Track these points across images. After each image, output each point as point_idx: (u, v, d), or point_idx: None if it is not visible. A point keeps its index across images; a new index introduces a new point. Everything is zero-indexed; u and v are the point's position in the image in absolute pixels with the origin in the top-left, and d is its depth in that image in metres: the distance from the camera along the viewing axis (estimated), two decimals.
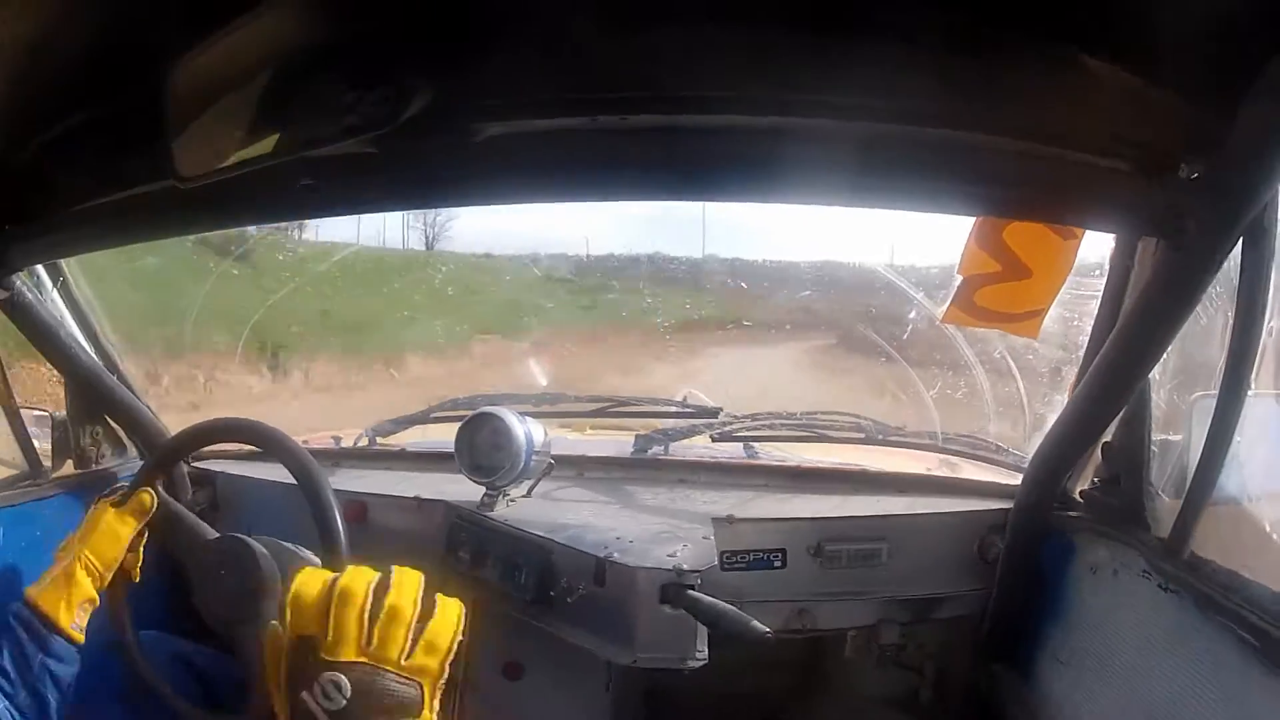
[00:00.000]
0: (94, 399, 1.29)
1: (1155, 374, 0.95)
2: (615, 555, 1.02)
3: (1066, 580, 1.09)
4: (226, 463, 1.43)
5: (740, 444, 1.44)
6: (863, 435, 1.46)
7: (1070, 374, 1.17)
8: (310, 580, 0.63)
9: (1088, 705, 1.00)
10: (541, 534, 1.10)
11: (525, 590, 1.07)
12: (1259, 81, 0.60)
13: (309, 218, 1.04)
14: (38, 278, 1.18)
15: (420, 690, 0.61)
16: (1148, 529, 0.97)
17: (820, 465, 1.37)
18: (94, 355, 1.28)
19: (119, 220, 0.94)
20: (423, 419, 1.54)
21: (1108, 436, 1.03)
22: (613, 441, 1.54)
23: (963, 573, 1.18)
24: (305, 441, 1.22)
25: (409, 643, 0.61)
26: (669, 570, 0.98)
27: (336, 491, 0.94)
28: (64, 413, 1.27)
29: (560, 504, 1.25)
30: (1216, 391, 0.80)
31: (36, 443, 1.22)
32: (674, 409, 1.54)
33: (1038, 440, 1.13)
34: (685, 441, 1.43)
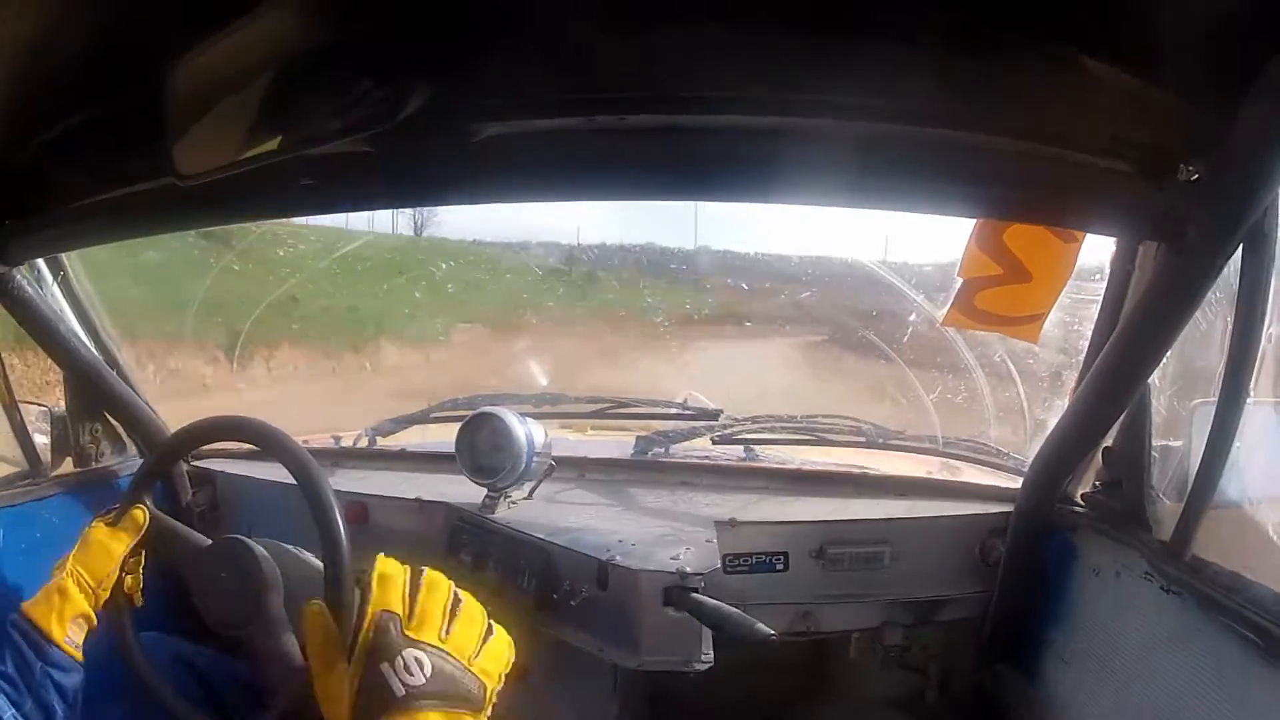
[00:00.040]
0: (94, 395, 1.28)
1: (1155, 380, 0.95)
2: (618, 558, 1.02)
3: (1069, 582, 1.09)
4: (226, 462, 1.43)
5: (740, 446, 1.44)
6: (863, 439, 1.45)
7: (1070, 378, 1.17)
8: (392, 564, 0.67)
9: (1092, 705, 1.00)
10: (543, 537, 1.10)
11: (527, 593, 1.07)
12: (1259, 83, 0.60)
13: (308, 215, 1.04)
14: (38, 272, 1.18)
15: (483, 691, 0.64)
16: (1149, 531, 0.97)
17: (821, 468, 1.37)
18: (94, 351, 1.27)
19: (118, 216, 0.94)
20: (423, 419, 1.54)
21: (1108, 441, 1.03)
22: (613, 443, 1.54)
23: (965, 575, 1.18)
24: (305, 441, 1.22)
25: (479, 645, 0.65)
26: (672, 573, 0.98)
27: (337, 493, 0.93)
28: (63, 408, 1.27)
29: (562, 506, 1.25)
30: (1216, 398, 0.80)
31: (39, 437, 1.22)
32: (674, 411, 1.53)
33: (1038, 444, 1.14)
34: (686, 444, 1.43)
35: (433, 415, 1.54)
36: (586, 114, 0.72)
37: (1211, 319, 0.86)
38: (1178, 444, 0.99)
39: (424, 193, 0.88)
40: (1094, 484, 1.08)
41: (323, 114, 0.68)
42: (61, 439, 1.26)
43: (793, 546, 1.14)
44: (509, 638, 0.69)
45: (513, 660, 0.69)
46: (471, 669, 0.64)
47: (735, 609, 0.94)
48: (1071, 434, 1.03)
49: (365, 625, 0.63)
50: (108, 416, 1.33)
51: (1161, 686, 0.86)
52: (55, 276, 1.21)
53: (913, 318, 1.65)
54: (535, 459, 1.18)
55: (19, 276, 1.09)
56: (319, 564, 0.92)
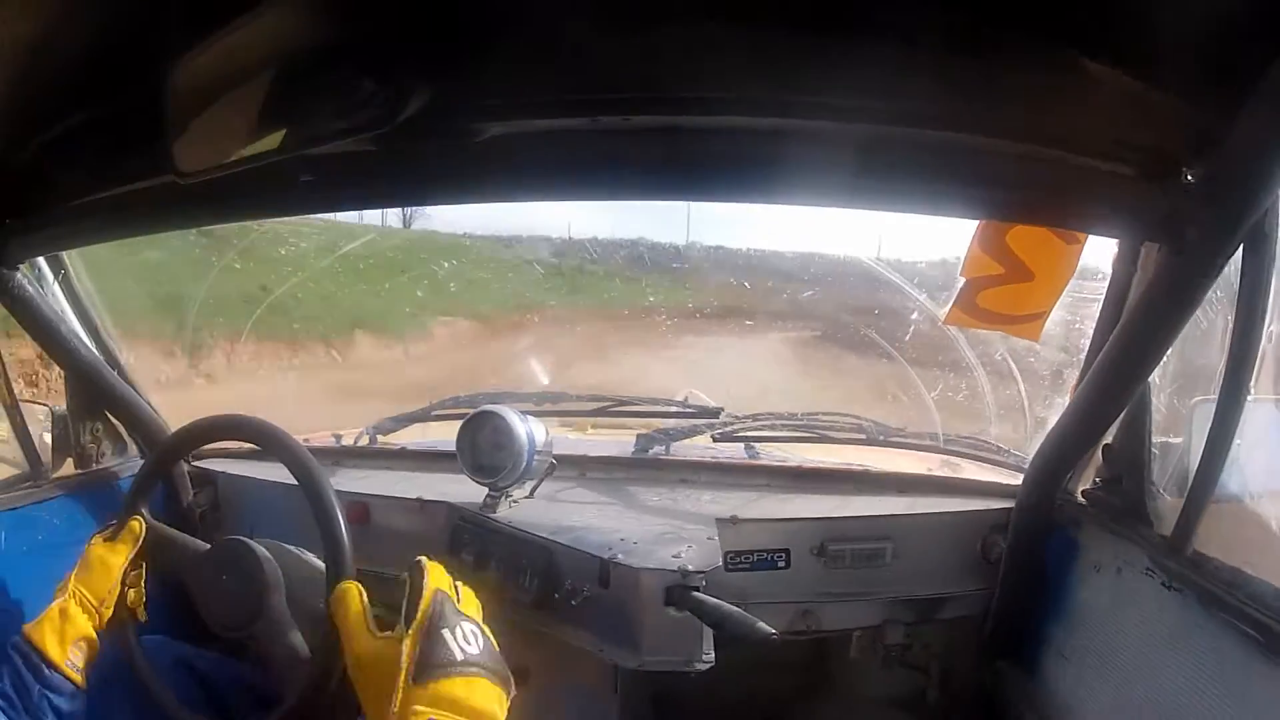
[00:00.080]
0: (94, 395, 1.28)
1: (1155, 378, 0.95)
2: (619, 557, 1.02)
3: (1070, 578, 1.09)
4: (227, 462, 1.43)
5: (741, 444, 1.44)
6: (864, 436, 1.46)
7: (1071, 377, 1.17)
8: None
9: (1092, 701, 1.00)
10: (545, 535, 1.10)
11: (529, 593, 1.07)
12: (1260, 86, 0.60)
13: (308, 213, 1.04)
14: (39, 271, 1.18)
15: (510, 677, 0.71)
16: (1150, 527, 0.97)
17: (822, 465, 1.37)
18: (94, 350, 1.27)
19: (119, 214, 0.94)
20: (423, 417, 1.54)
21: (1108, 438, 1.03)
22: (614, 441, 1.54)
23: (966, 572, 1.19)
24: (306, 439, 1.22)
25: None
26: (674, 571, 0.98)
27: (338, 493, 0.93)
28: (63, 408, 1.27)
29: (563, 505, 1.25)
30: (1216, 396, 0.81)
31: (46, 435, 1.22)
32: (675, 409, 1.54)
33: (1038, 442, 1.14)
34: (686, 441, 1.43)
35: (433, 413, 1.54)
36: (588, 114, 0.72)
37: (1212, 318, 0.87)
38: (1178, 441, 0.99)
39: (426, 192, 0.88)
40: (1094, 480, 1.08)
41: (324, 113, 0.68)
42: (62, 439, 1.26)
43: (794, 544, 1.14)
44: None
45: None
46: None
47: (736, 608, 0.94)
48: (1072, 431, 1.04)
49: (426, 597, 0.70)
50: (109, 416, 1.32)
51: (1162, 683, 0.86)
52: (56, 276, 1.20)
53: (915, 316, 1.65)
54: (536, 457, 1.18)
55: (20, 276, 1.09)
56: (321, 564, 0.92)
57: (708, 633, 0.99)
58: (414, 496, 1.25)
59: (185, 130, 0.73)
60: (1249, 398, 0.79)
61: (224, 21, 0.64)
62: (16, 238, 1.00)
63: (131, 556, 0.95)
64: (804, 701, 1.37)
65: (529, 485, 1.23)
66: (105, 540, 0.96)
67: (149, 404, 1.34)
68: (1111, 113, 0.69)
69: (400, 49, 0.65)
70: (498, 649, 0.72)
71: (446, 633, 0.69)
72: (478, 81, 0.70)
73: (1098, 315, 1.04)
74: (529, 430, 1.18)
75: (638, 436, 1.43)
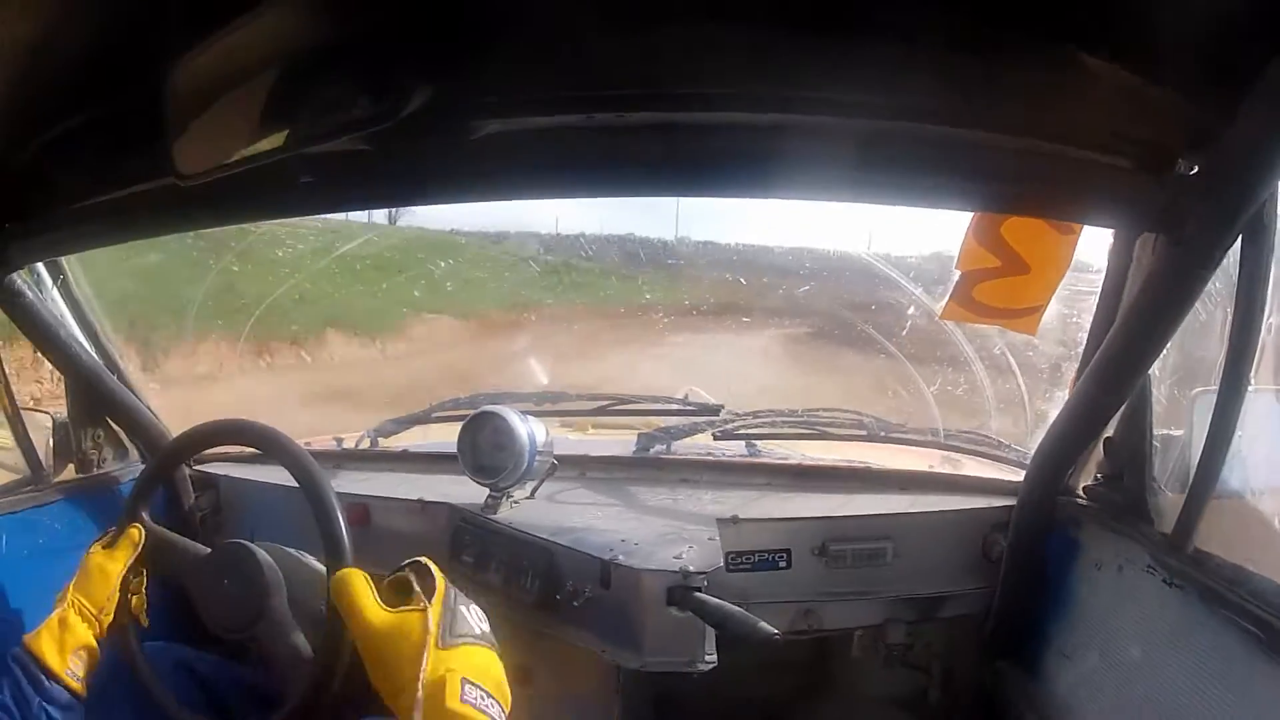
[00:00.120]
0: (95, 400, 1.28)
1: (1155, 370, 0.95)
2: (620, 557, 1.02)
3: (1071, 576, 1.09)
4: (229, 465, 1.43)
5: (742, 442, 1.44)
6: (864, 432, 1.45)
7: (1070, 370, 1.17)
8: None
9: (1094, 700, 1.00)
10: (546, 537, 1.10)
11: (530, 594, 1.07)
12: (1259, 82, 0.60)
13: (309, 214, 1.04)
14: (38, 276, 1.17)
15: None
16: (1151, 524, 0.97)
17: (823, 463, 1.36)
18: (94, 355, 1.27)
19: (118, 218, 0.94)
20: (424, 419, 1.54)
21: (1109, 432, 1.03)
22: (614, 441, 1.53)
23: (967, 571, 1.18)
24: (307, 443, 1.22)
25: None
26: (675, 572, 0.98)
27: (339, 494, 0.93)
28: (64, 413, 1.27)
29: (564, 506, 1.24)
30: (1217, 387, 0.81)
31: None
32: (675, 407, 1.53)
33: (1039, 436, 1.14)
34: (687, 440, 1.43)
35: (434, 415, 1.54)
36: (586, 111, 0.72)
37: (1211, 309, 0.87)
38: (1179, 433, 0.99)
39: (425, 191, 0.88)
40: (1095, 476, 1.08)
41: (323, 113, 0.68)
42: (63, 444, 1.25)
43: (795, 543, 1.14)
44: None
45: None
46: None
47: (738, 608, 0.94)
48: (1072, 425, 1.04)
49: (439, 578, 0.75)
50: (109, 421, 1.32)
51: (1164, 681, 0.86)
52: (55, 280, 1.20)
53: (912, 311, 1.65)
54: (537, 458, 1.18)
55: (19, 280, 1.09)
56: (321, 567, 0.92)
57: (710, 633, 0.98)
58: (415, 498, 1.25)
59: (185, 132, 0.72)
60: (1250, 389, 0.79)
61: (223, 22, 0.64)
62: (16, 242, 1.00)
63: (130, 563, 0.95)
64: (806, 701, 1.37)
65: (530, 486, 1.23)
66: (104, 548, 0.95)
67: (149, 409, 1.34)
68: (1110, 107, 0.69)
69: (399, 47, 0.65)
70: None
71: (463, 609, 0.74)
72: (477, 79, 0.70)
73: (1094, 309, 1.04)
74: (530, 430, 1.18)
75: (638, 436, 1.43)
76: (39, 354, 1.21)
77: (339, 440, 1.55)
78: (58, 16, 0.66)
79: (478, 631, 0.74)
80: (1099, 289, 1.02)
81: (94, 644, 0.89)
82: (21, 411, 1.19)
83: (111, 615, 0.92)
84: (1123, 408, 0.99)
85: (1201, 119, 0.67)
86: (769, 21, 0.64)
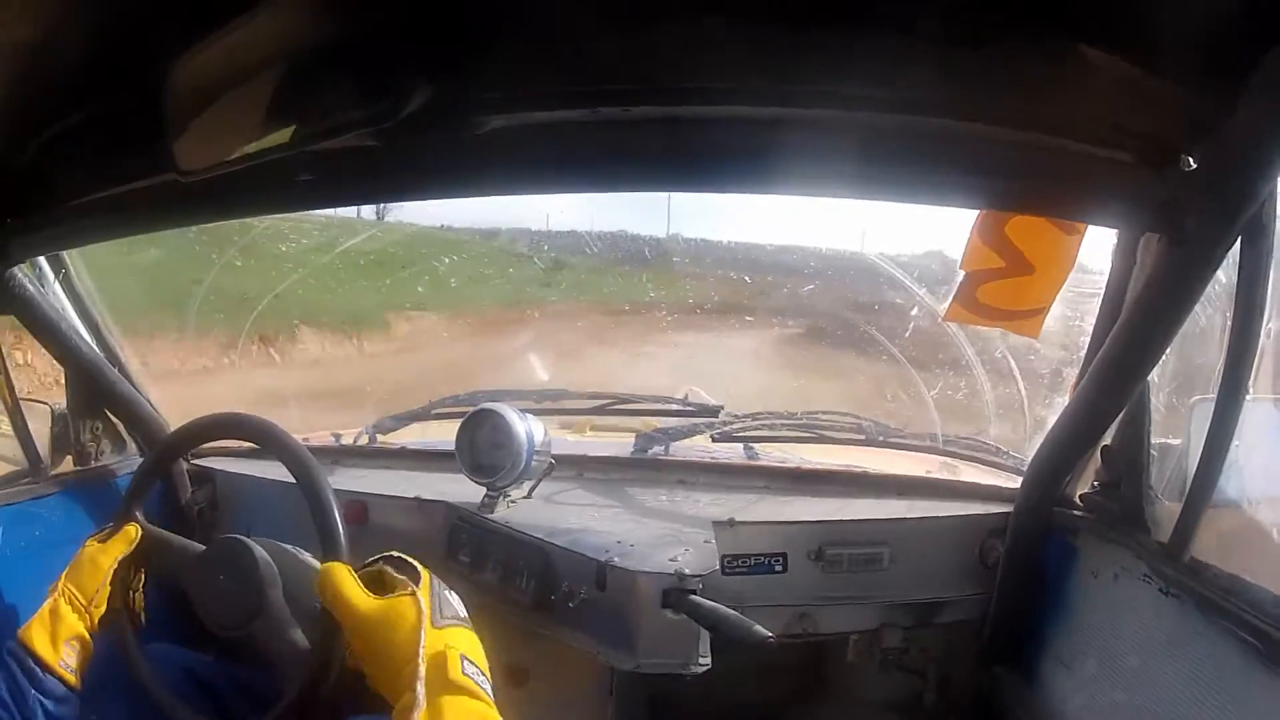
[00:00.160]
0: (94, 393, 1.28)
1: (1154, 377, 0.95)
2: (616, 559, 1.02)
3: (1067, 584, 1.09)
4: (226, 460, 1.43)
5: (740, 444, 1.43)
6: (863, 436, 1.45)
7: (1070, 375, 1.16)
8: None
9: (1090, 708, 1.00)
10: (542, 537, 1.10)
11: (525, 594, 1.07)
12: (1257, 75, 0.60)
13: (311, 209, 1.05)
14: (40, 269, 1.18)
15: None
16: (1148, 533, 0.97)
17: (821, 467, 1.36)
18: (95, 348, 1.27)
19: (120, 213, 0.94)
20: (423, 415, 1.54)
21: (1107, 440, 1.03)
22: (613, 441, 1.53)
23: (964, 577, 1.18)
24: (305, 439, 1.22)
25: None
26: (670, 575, 0.98)
27: (336, 491, 0.93)
28: (63, 405, 1.27)
29: (561, 506, 1.24)
30: (1215, 395, 0.80)
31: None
32: (674, 407, 1.53)
33: (1038, 442, 1.13)
34: (685, 441, 1.43)
35: (433, 412, 1.53)
36: (589, 106, 0.72)
37: (1210, 315, 0.87)
38: (1177, 442, 0.99)
39: (427, 186, 0.87)
40: (1092, 484, 1.08)
41: (325, 109, 0.68)
42: (62, 437, 1.26)
43: (791, 547, 1.14)
44: None
45: None
46: None
47: (733, 611, 0.94)
48: (1070, 432, 1.03)
49: (422, 568, 0.79)
50: (108, 414, 1.33)
51: (1161, 690, 0.86)
52: (57, 274, 1.21)
53: (915, 312, 1.65)
54: (535, 457, 1.18)
55: (20, 274, 1.09)
56: (317, 564, 0.92)
57: (704, 635, 0.98)
58: (412, 496, 1.25)
59: (186, 128, 0.72)
60: (1248, 397, 0.79)
61: (225, 20, 0.64)
62: (18, 237, 1.00)
63: (123, 557, 0.94)
64: (800, 705, 1.37)
65: (527, 485, 1.23)
66: (99, 542, 0.95)
67: (149, 402, 1.34)
68: (1110, 99, 0.68)
69: (401, 44, 0.65)
70: None
71: (447, 593, 0.78)
72: (479, 75, 0.69)
73: (1097, 312, 1.04)
74: (528, 429, 1.18)
75: (637, 437, 1.43)
76: (37, 350, 1.21)
77: (337, 436, 1.55)
78: (58, 16, 0.66)
79: (462, 614, 0.77)
80: (1101, 292, 1.02)
81: (86, 634, 0.89)
82: (21, 403, 1.19)
83: (102, 607, 0.92)
84: (1120, 416, 0.98)
85: (1201, 111, 0.67)
86: (769, 15, 0.64)
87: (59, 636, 0.87)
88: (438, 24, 0.65)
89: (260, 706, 0.91)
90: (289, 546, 0.99)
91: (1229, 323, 0.78)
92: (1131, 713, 0.90)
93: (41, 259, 1.17)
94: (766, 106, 0.71)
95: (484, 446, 1.19)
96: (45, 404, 1.26)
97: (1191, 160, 0.71)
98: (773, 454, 1.44)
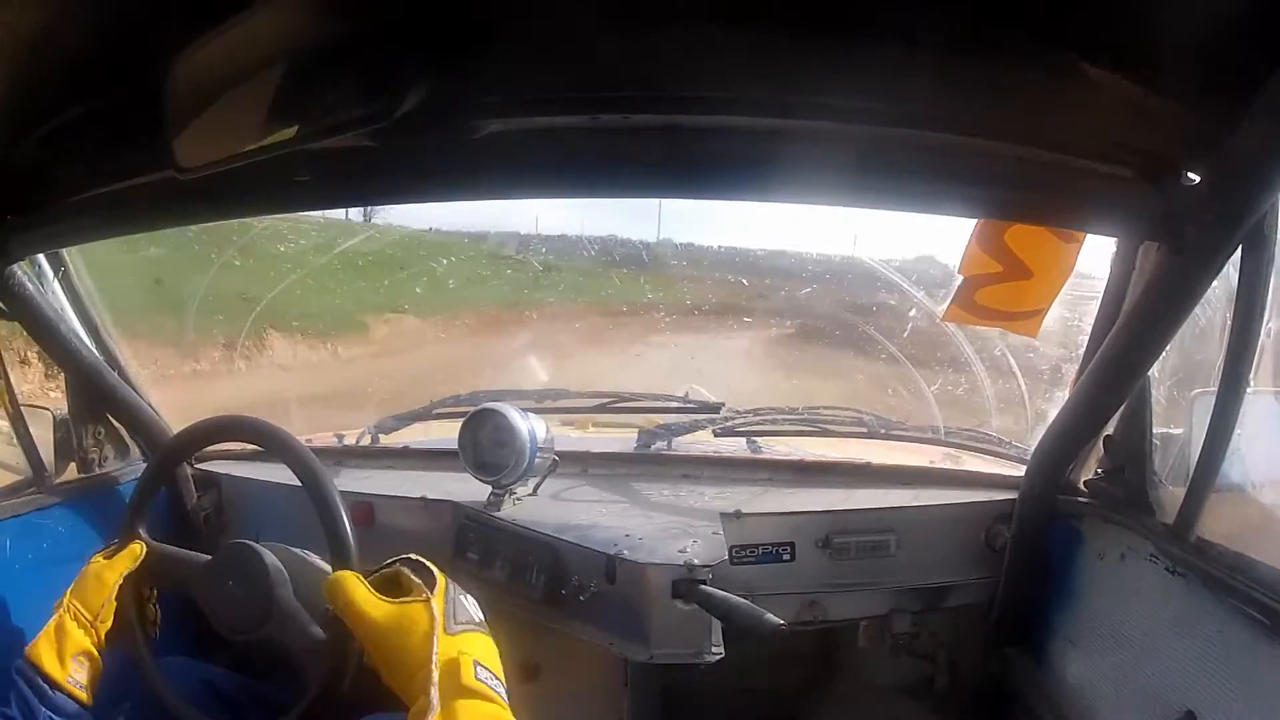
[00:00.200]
0: (96, 397, 1.27)
1: (1155, 371, 0.96)
2: (625, 552, 1.02)
3: (1074, 566, 1.10)
4: (231, 464, 1.42)
5: (743, 439, 1.44)
6: (865, 430, 1.46)
7: (1069, 372, 1.18)
8: None
9: (1100, 686, 1.01)
10: (550, 533, 1.10)
11: (536, 590, 1.07)
12: (1261, 94, 0.60)
13: (308, 209, 1.04)
14: (39, 269, 1.16)
15: None
16: (1153, 515, 0.98)
17: (825, 459, 1.37)
18: (95, 351, 1.26)
19: (119, 211, 0.94)
20: (425, 415, 1.54)
21: (1109, 430, 1.04)
22: (615, 438, 1.53)
23: (971, 561, 1.19)
24: (308, 440, 1.21)
25: None
26: (680, 566, 0.98)
27: (342, 493, 0.93)
28: (64, 410, 1.25)
29: (567, 502, 1.25)
30: (1215, 389, 0.81)
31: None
32: (676, 404, 1.53)
33: (1039, 435, 1.14)
34: (688, 437, 1.43)
35: (435, 412, 1.53)
36: (588, 112, 0.72)
37: (1210, 314, 0.88)
38: (1178, 432, 1.00)
39: (425, 188, 0.87)
40: (1096, 471, 1.09)
41: (324, 108, 0.68)
42: (64, 443, 1.24)
43: (799, 537, 1.14)
44: None
45: None
46: None
47: (744, 599, 0.94)
48: (1073, 423, 1.05)
49: (437, 572, 0.79)
50: (110, 418, 1.31)
51: (1169, 667, 0.87)
52: (56, 273, 1.19)
53: (913, 313, 1.66)
54: (539, 455, 1.18)
55: (20, 273, 1.08)
56: (327, 567, 0.91)
57: (716, 625, 0.99)
58: (418, 496, 1.25)
59: (185, 126, 0.72)
60: (1248, 390, 0.80)
61: (224, 17, 0.64)
62: (17, 234, 0.99)
63: (128, 573, 0.94)
64: (813, 691, 1.38)
65: (532, 483, 1.23)
66: (105, 558, 0.95)
67: (150, 406, 1.33)
68: (1111, 116, 0.69)
69: (400, 45, 0.65)
70: None
71: (462, 599, 0.78)
72: (477, 78, 0.69)
73: (1095, 313, 1.05)
74: (530, 427, 1.18)
75: (639, 433, 1.43)
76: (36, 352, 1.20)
77: (340, 437, 1.55)
78: (58, 13, 0.66)
79: (477, 619, 0.77)
80: (1100, 295, 1.03)
81: (94, 650, 0.89)
82: (22, 408, 1.17)
83: (108, 622, 0.91)
84: (1122, 408, 0.99)
85: (1203, 129, 0.67)
86: (769, 25, 0.64)
87: (66, 653, 0.87)
88: (438, 25, 0.65)
89: (277, 717, 0.90)
90: (298, 550, 0.98)
91: (1229, 322, 0.79)
92: (1140, 690, 0.91)
93: (41, 258, 1.16)
94: (766, 116, 0.72)
95: (487, 445, 1.19)
96: (47, 409, 1.24)
97: (1193, 175, 0.72)
98: (776, 448, 1.45)
